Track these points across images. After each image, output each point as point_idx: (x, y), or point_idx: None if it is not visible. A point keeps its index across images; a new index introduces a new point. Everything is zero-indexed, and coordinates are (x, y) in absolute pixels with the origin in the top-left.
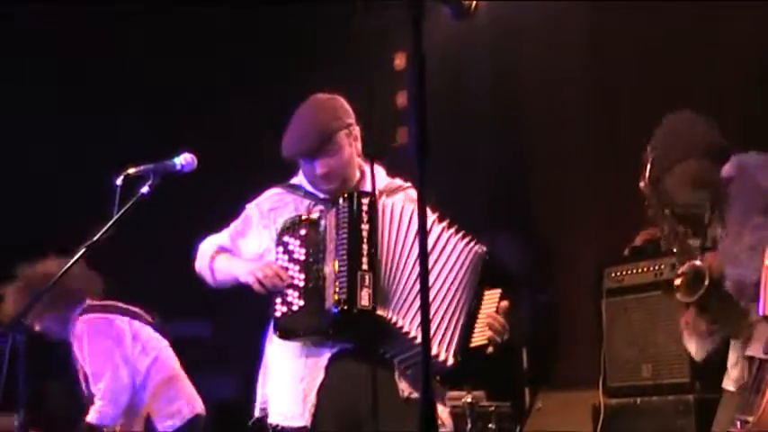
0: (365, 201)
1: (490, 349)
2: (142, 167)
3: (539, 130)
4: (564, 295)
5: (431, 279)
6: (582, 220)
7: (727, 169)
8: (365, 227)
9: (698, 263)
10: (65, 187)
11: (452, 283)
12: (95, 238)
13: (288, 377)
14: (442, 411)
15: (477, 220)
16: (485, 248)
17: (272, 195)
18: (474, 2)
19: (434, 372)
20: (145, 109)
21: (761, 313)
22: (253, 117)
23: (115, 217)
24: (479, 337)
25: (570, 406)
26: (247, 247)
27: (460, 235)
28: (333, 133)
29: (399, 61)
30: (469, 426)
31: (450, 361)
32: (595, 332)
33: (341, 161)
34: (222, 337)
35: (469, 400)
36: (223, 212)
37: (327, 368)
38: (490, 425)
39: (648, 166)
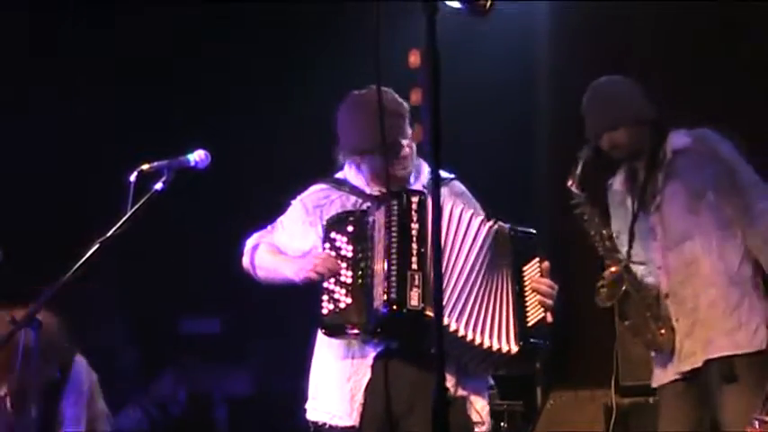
0: (415, 199)
1: (549, 318)
2: (156, 164)
3: (551, 132)
4: (576, 294)
5: (473, 274)
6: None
7: (683, 140)
8: (415, 226)
9: (615, 269)
10: (78, 185)
11: (491, 272)
12: (108, 234)
13: (335, 376)
14: (483, 408)
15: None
16: (506, 224)
17: (317, 191)
18: (489, 0)
19: (504, 364)
20: (160, 104)
21: None
22: (271, 115)
23: (128, 213)
24: (534, 313)
25: (582, 405)
26: (294, 243)
27: (481, 219)
28: (402, 116)
29: (414, 58)
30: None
31: (514, 349)
32: (608, 331)
33: (413, 143)
34: (231, 333)
35: None
36: (240, 211)
37: (373, 367)
38: (502, 423)
39: (579, 165)
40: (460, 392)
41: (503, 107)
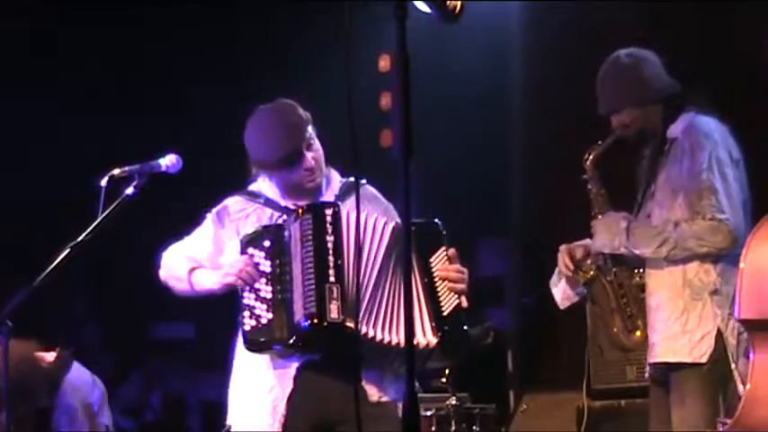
0: (329, 212)
1: (464, 303)
2: (127, 168)
3: (523, 136)
4: (548, 299)
5: (382, 277)
6: (567, 226)
7: (674, 127)
8: (330, 238)
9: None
10: (49, 189)
11: (381, 267)
12: (80, 239)
13: (256, 387)
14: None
15: (463, 227)
16: (398, 222)
17: (232, 204)
18: (459, 3)
19: (429, 357)
20: (132, 109)
21: (737, 316)
22: (235, 118)
23: (100, 218)
24: (448, 301)
25: (554, 408)
26: (211, 255)
27: (384, 221)
28: (304, 129)
29: (384, 63)
30: (454, 428)
31: (433, 341)
32: (580, 335)
33: (320, 153)
34: (204, 338)
35: (454, 402)
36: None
37: (296, 378)
38: (474, 427)
39: (602, 146)
40: (385, 398)
41: (474, 110)
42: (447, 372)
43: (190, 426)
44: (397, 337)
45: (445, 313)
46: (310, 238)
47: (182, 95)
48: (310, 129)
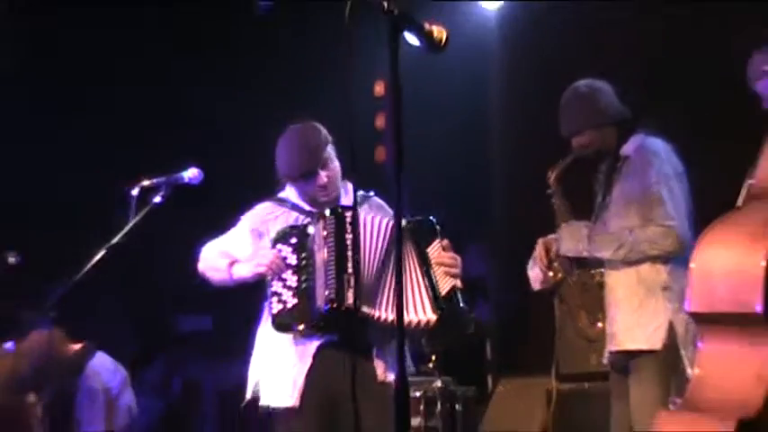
0: (348, 214)
1: (459, 284)
2: (155, 180)
3: (504, 153)
4: (523, 296)
5: (387, 268)
6: (542, 233)
7: (627, 147)
8: (349, 236)
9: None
10: (82, 196)
11: (387, 260)
12: (113, 241)
13: (279, 364)
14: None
15: (451, 234)
16: (405, 220)
17: (263, 208)
18: (443, 35)
19: (433, 334)
20: (158, 123)
21: (687, 310)
22: (252, 136)
23: (131, 223)
24: (444, 283)
25: (527, 390)
26: (242, 252)
27: (387, 221)
28: (324, 149)
29: (379, 88)
30: (439, 407)
31: (433, 317)
32: (551, 326)
33: (335, 172)
34: (222, 329)
35: (440, 384)
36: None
37: (315, 356)
38: (457, 406)
39: (562, 165)
40: (389, 378)
41: (459, 129)
42: (434, 358)
43: (205, 410)
44: (426, 315)
45: (443, 293)
46: (333, 235)
47: (203, 115)
48: (329, 149)
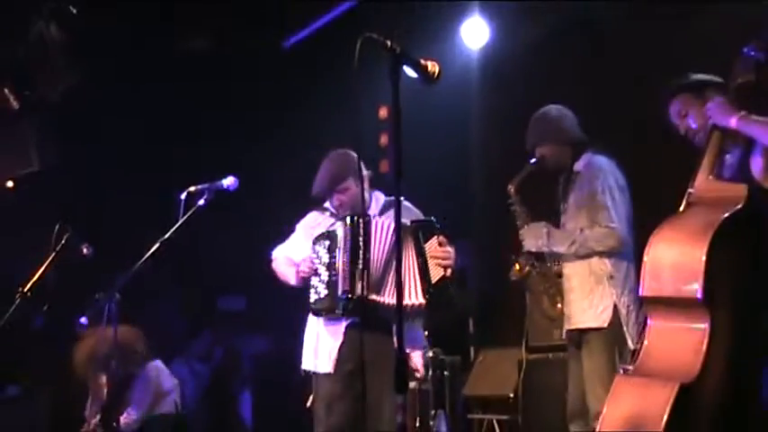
0: (362, 221)
1: (449, 273)
2: (199, 186)
3: (484, 164)
4: (500, 283)
5: (392, 261)
6: (513, 230)
7: (578, 163)
8: (362, 238)
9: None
10: (145, 202)
11: (394, 255)
12: (166, 236)
13: (320, 340)
14: (418, 361)
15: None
16: (408, 221)
17: (311, 217)
18: (437, 69)
19: (424, 314)
20: (203, 138)
21: (640, 294)
22: (283, 150)
23: (180, 221)
24: (436, 273)
25: (502, 360)
26: (299, 254)
27: (393, 224)
28: (343, 179)
29: (383, 112)
30: (430, 373)
31: (422, 300)
32: (521, 309)
33: (349, 198)
34: (254, 308)
35: (430, 354)
36: (258, 222)
37: (344, 334)
38: (445, 372)
39: (521, 176)
40: (407, 350)
41: (447, 142)
42: (426, 333)
43: (243, 371)
44: (417, 299)
45: (433, 281)
46: (349, 238)
47: (242, 135)
48: (349, 181)
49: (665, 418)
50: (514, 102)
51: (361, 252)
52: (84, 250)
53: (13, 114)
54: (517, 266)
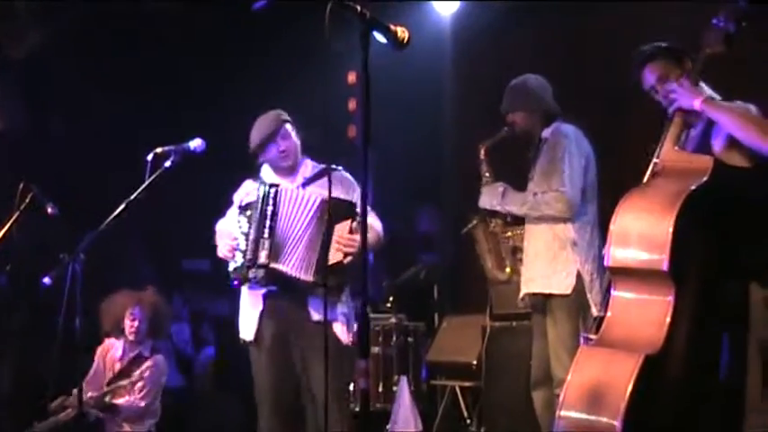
0: (272, 191)
1: (347, 259)
2: (166, 148)
3: (454, 131)
4: (466, 250)
5: (304, 235)
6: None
7: (546, 131)
8: (270, 208)
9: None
10: (110, 162)
11: (313, 230)
12: (132, 198)
13: (245, 308)
14: (341, 329)
15: (407, 198)
16: (325, 197)
17: (245, 186)
18: (406, 35)
19: (310, 287)
20: (170, 100)
21: (606, 264)
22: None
23: (146, 183)
24: (335, 257)
25: (466, 327)
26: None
27: (316, 195)
28: (283, 123)
29: (351, 77)
30: (394, 339)
31: (311, 278)
32: (485, 276)
33: (293, 143)
34: (218, 270)
35: (395, 320)
36: (223, 183)
37: (263, 302)
38: (409, 338)
39: (493, 139)
40: (320, 318)
41: (417, 109)
42: (391, 299)
43: (205, 334)
44: (298, 273)
45: (328, 263)
46: (258, 207)
47: (210, 97)
48: (288, 127)
49: (630, 388)
50: (486, 68)
51: (267, 221)
52: (49, 209)
53: None
54: (473, 220)
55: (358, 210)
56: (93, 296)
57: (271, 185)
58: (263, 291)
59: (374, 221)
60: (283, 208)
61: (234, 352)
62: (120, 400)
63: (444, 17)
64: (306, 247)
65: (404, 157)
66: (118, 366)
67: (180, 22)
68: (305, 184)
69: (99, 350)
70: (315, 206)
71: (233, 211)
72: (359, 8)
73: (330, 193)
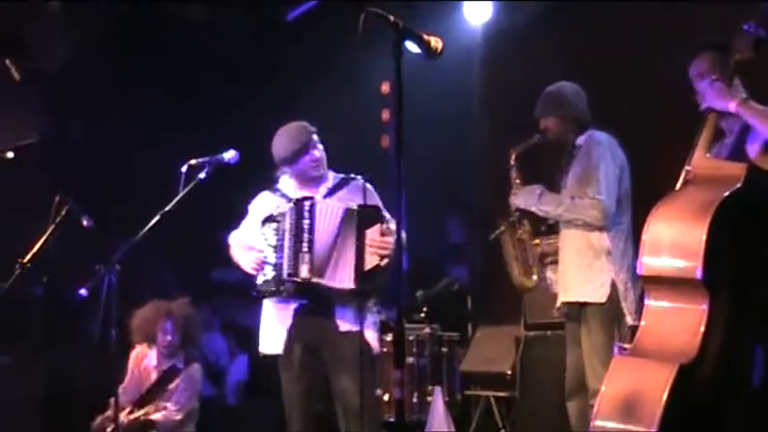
0: (307, 204)
1: (384, 262)
2: (200, 159)
3: (486, 142)
4: (499, 260)
5: (335, 245)
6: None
7: (580, 138)
8: (306, 221)
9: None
10: (144, 173)
11: (344, 239)
12: (167, 209)
13: (271, 322)
14: (372, 337)
15: (438, 207)
16: (355, 205)
17: (262, 197)
18: (439, 45)
19: (346, 296)
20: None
21: (639, 273)
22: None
23: (180, 194)
24: (371, 261)
25: (500, 336)
26: (253, 236)
27: (340, 206)
28: (311, 133)
29: (385, 87)
30: (428, 348)
31: (352, 285)
32: None
33: (322, 153)
34: (243, 281)
35: (429, 330)
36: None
37: (293, 317)
38: (443, 348)
39: (525, 144)
40: (349, 328)
41: (448, 119)
42: (425, 309)
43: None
44: (348, 284)
45: (366, 269)
46: (293, 220)
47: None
48: (315, 137)
49: (665, 398)
50: (516, 78)
51: (305, 235)
52: (85, 222)
53: (13, 85)
54: (501, 226)
55: (384, 213)
56: (124, 306)
57: (305, 198)
58: (295, 305)
59: (393, 225)
60: (319, 221)
61: (264, 363)
62: (156, 416)
63: (475, 26)
64: (343, 257)
65: (435, 166)
66: (154, 376)
67: (212, 34)
68: (327, 195)
69: (132, 356)
70: (341, 215)
71: (250, 223)
72: (392, 18)
73: (364, 199)
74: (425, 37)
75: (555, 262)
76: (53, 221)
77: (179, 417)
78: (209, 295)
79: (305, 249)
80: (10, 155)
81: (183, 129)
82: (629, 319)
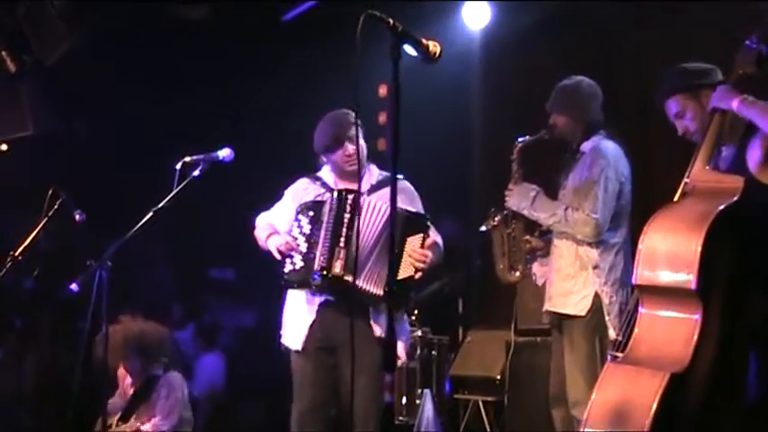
0: (350, 197)
1: (417, 275)
2: (195, 157)
3: (481, 145)
4: (491, 264)
5: (376, 246)
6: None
7: (586, 144)
8: (347, 216)
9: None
10: (139, 170)
11: (378, 239)
12: (159, 206)
13: (293, 316)
14: (401, 347)
15: (433, 210)
16: (403, 209)
17: (300, 183)
18: (438, 49)
19: (373, 301)
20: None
21: (634, 282)
22: (276, 125)
23: (174, 191)
24: (406, 271)
25: (491, 341)
26: (284, 219)
27: (386, 206)
28: (351, 125)
29: (383, 90)
30: (419, 352)
31: (380, 292)
32: (510, 291)
33: (361, 148)
34: (242, 279)
35: (419, 333)
36: (250, 193)
37: (317, 312)
38: (433, 352)
39: (532, 138)
40: (380, 333)
41: (446, 122)
42: (416, 312)
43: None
44: (377, 289)
45: (399, 277)
46: (333, 213)
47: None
48: (353, 131)
49: (655, 407)
50: (514, 82)
51: (344, 230)
52: (77, 216)
53: (9, 78)
54: (491, 220)
55: (430, 224)
56: (116, 303)
57: (348, 191)
58: (321, 299)
59: (436, 236)
60: (363, 217)
61: (256, 362)
62: (145, 426)
63: (473, 30)
64: (378, 260)
65: (431, 167)
66: (131, 391)
67: (209, 32)
68: (371, 192)
69: (119, 374)
70: (386, 217)
71: (283, 207)
72: (391, 21)
73: (411, 203)
74: (424, 41)
75: (544, 255)
76: (45, 215)
77: (167, 425)
78: (205, 292)
79: (341, 244)
80: (3, 147)
81: (181, 126)
82: (613, 334)
